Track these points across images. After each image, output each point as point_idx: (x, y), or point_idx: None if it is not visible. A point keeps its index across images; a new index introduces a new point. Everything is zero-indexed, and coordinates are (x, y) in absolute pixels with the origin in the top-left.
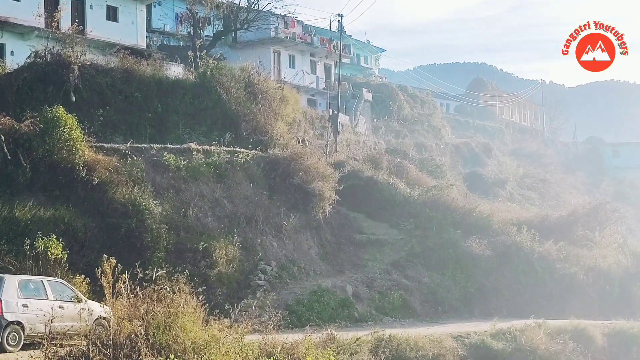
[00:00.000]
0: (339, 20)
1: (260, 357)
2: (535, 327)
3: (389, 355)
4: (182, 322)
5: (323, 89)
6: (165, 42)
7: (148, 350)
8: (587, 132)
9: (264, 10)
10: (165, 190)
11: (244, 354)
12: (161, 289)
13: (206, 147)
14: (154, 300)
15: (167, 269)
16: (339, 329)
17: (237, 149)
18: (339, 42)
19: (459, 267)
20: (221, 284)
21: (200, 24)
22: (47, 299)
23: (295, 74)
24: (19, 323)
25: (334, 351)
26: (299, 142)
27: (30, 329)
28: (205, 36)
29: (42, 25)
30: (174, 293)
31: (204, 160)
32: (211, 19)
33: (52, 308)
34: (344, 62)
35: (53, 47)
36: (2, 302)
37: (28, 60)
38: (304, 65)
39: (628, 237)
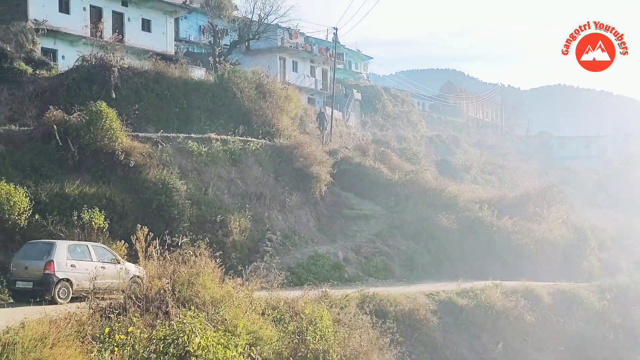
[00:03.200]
0: (334, 33)
1: (266, 310)
2: (493, 287)
3: (372, 309)
4: (203, 280)
5: (320, 89)
6: (190, 50)
7: (174, 303)
8: (538, 127)
9: (272, 23)
10: (189, 172)
11: (253, 307)
12: (185, 253)
13: (223, 136)
14: (179, 262)
15: (190, 237)
16: (332, 287)
17: (249, 139)
18: (334, 50)
19: (431, 238)
20: (235, 249)
21: (219, 35)
22: (91, 261)
23: (298, 77)
24: (67, 280)
25: (327, 305)
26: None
27: (77, 285)
28: (223, 45)
29: (88, 35)
30: (196, 256)
31: (221, 147)
32: (228, 30)
33: (95, 268)
34: (338, 68)
35: (97, 53)
36: (54, 262)
37: (76, 64)
38: (305, 69)
39: (570, 214)
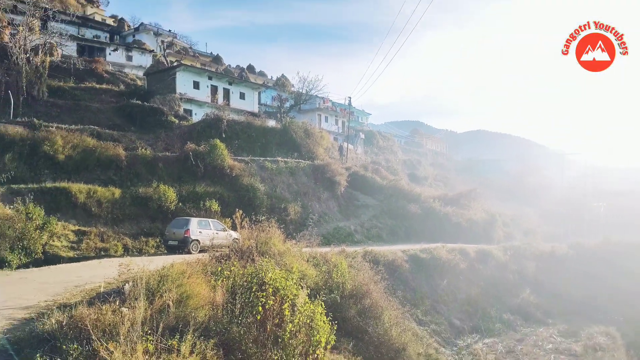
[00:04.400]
0: (349, 99)
1: (309, 259)
2: (440, 247)
3: (370, 259)
4: (273, 241)
5: (340, 132)
6: (266, 110)
7: (257, 254)
8: (468, 155)
9: (313, 95)
10: (265, 179)
11: (302, 257)
12: (263, 225)
13: (285, 159)
14: (260, 231)
15: (266, 217)
16: (347, 246)
17: (300, 161)
18: (348, 110)
19: (405, 218)
20: (291, 224)
21: (283, 101)
22: (211, 229)
23: (328, 125)
24: (197, 240)
25: (344, 256)
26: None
27: (202, 244)
28: (285, 107)
29: (209, 101)
30: (269, 228)
31: (284, 165)
32: (288, 98)
33: (213, 234)
34: (351, 120)
35: (214, 112)
36: (190, 230)
37: (202, 118)
38: (332, 121)
39: (486, 205)
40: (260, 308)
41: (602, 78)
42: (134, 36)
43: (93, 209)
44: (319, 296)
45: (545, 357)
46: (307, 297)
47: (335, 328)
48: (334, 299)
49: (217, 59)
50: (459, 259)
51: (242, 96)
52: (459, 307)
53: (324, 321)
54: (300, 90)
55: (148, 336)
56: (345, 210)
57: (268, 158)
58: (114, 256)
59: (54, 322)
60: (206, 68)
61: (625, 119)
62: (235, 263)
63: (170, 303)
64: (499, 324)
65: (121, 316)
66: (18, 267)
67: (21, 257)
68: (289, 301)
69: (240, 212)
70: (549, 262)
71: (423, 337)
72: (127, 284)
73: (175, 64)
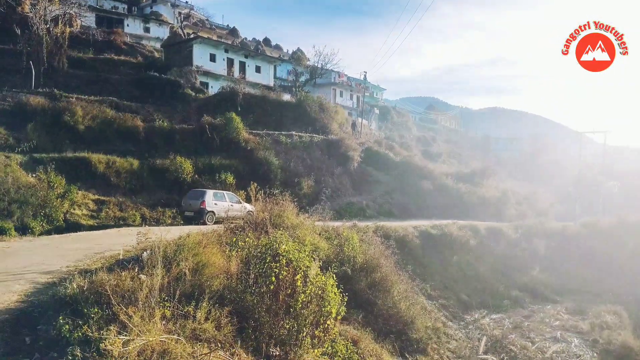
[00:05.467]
0: (364, 74)
1: (321, 232)
2: (452, 224)
3: (381, 234)
4: (286, 214)
5: (355, 107)
6: (282, 84)
7: (271, 226)
8: (482, 132)
9: (328, 69)
10: (280, 153)
11: (314, 230)
12: (277, 199)
13: (300, 133)
14: (274, 204)
15: (280, 190)
16: (359, 221)
17: (314, 135)
18: (363, 85)
19: (417, 195)
20: (305, 198)
21: (298, 75)
22: (226, 201)
23: (342, 100)
24: (212, 212)
25: (356, 230)
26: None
27: (218, 215)
28: (300, 81)
29: (225, 74)
30: (283, 201)
31: (298, 140)
32: (303, 72)
33: (228, 205)
34: (366, 95)
35: (230, 85)
36: (205, 202)
37: (219, 91)
38: (347, 96)
39: (499, 183)
40: (273, 278)
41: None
42: (151, 7)
43: (112, 179)
44: (331, 268)
45: (551, 333)
46: (319, 269)
47: (346, 300)
48: (345, 271)
49: (233, 32)
50: (470, 236)
51: (257, 69)
52: (468, 283)
53: (335, 293)
54: (316, 64)
55: (165, 302)
56: (358, 185)
57: (283, 132)
58: (132, 225)
59: (75, 286)
60: (222, 41)
61: None
62: (249, 234)
63: (187, 271)
64: (507, 301)
65: (139, 282)
66: (40, 234)
67: (43, 225)
68: (301, 272)
69: (255, 185)
70: (560, 241)
71: (431, 311)
72: (145, 252)
73: (192, 36)
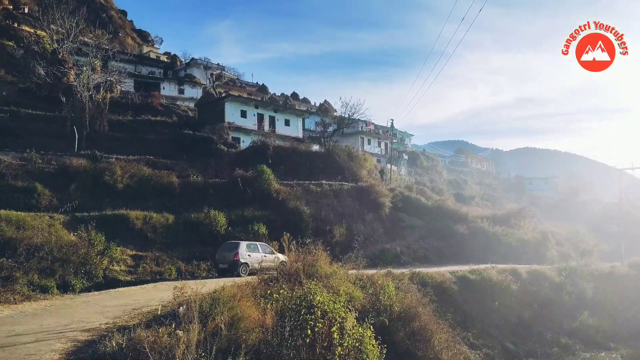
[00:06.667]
0: (391, 122)
1: (356, 281)
2: (490, 268)
3: (418, 281)
4: (319, 263)
5: (384, 154)
6: (310, 135)
7: (304, 276)
8: (515, 173)
9: (356, 118)
10: (311, 202)
11: (348, 279)
12: (310, 248)
13: (330, 182)
14: (307, 253)
15: (312, 239)
16: (393, 268)
17: (344, 183)
18: (391, 132)
19: (452, 239)
20: (337, 245)
21: (327, 126)
22: (259, 252)
23: (371, 148)
24: (246, 263)
25: (391, 278)
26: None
27: (251, 267)
28: (329, 131)
29: (256, 129)
30: (316, 250)
31: (328, 188)
32: (331, 123)
33: (261, 256)
34: (394, 141)
35: (260, 139)
36: (239, 253)
37: (250, 145)
38: (374, 143)
39: (537, 224)
40: (309, 331)
41: None
42: (185, 70)
43: (149, 234)
44: (367, 319)
45: None
46: (355, 320)
47: (385, 352)
48: (382, 321)
49: (262, 88)
50: (511, 280)
51: (287, 123)
52: (512, 330)
53: (373, 344)
54: (343, 115)
55: (202, 358)
56: (391, 231)
57: (313, 181)
58: (168, 279)
59: (114, 344)
60: (252, 97)
61: None
62: (283, 286)
63: (223, 326)
64: (556, 348)
65: (177, 338)
66: (81, 291)
67: (84, 282)
68: (337, 324)
69: (287, 234)
70: (608, 283)
71: None
72: (181, 307)
73: (223, 94)
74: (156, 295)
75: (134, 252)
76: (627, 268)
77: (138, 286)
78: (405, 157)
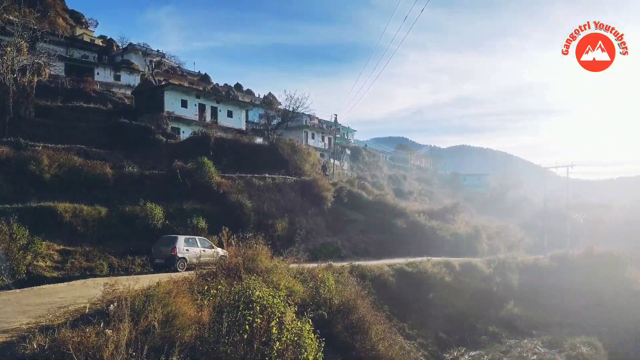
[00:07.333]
0: (335, 117)
1: (296, 275)
2: (426, 261)
3: (357, 274)
4: (260, 258)
5: (327, 149)
6: (254, 127)
7: (244, 271)
8: (451, 169)
9: (300, 112)
10: (253, 196)
11: (289, 273)
12: (250, 242)
13: (273, 175)
14: (247, 247)
15: (253, 233)
16: (334, 261)
17: (287, 176)
18: (334, 127)
19: (392, 233)
20: (279, 239)
21: (270, 119)
22: (198, 247)
23: (314, 142)
24: (184, 258)
25: (331, 272)
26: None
27: (189, 262)
28: (273, 124)
29: (197, 119)
30: (256, 244)
31: (271, 181)
32: (275, 116)
33: (199, 251)
34: (337, 136)
35: (201, 130)
36: (177, 248)
37: (190, 136)
38: (318, 138)
39: (471, 219)
40: (247, 327)
41: (590, 94)
42: (122, 56)
43: (79, 228)
44: (307, 313)
45: None
46: (294, 315)
47: (323, 345)
48: (322, 315)
49: (205, 78)
50: (445, 272)
51: (229, 114)
52: (445, 320)
53: (311, 338)
54: (287, 108)
55: (132, 358)
56: (333, 225)
57: (255, 175)
58: (100, 275)
59: (35, 345)
60: (194, 87)
61: (605, 133)
62: (222, 281)
63: (156, 323)
64: (485, 337)
65: (105, 338)
66: (1, 289)
67: (4, 278)
68: (276, 319)
69: (227, 229)
70: (532, 274)
71: (410, 351)
72: (111, 305)
73: (163, 83)
74: (85, 292)
75: (61, 247)
76: (549, 260)
77: (65, 283)
78: (348, 152)
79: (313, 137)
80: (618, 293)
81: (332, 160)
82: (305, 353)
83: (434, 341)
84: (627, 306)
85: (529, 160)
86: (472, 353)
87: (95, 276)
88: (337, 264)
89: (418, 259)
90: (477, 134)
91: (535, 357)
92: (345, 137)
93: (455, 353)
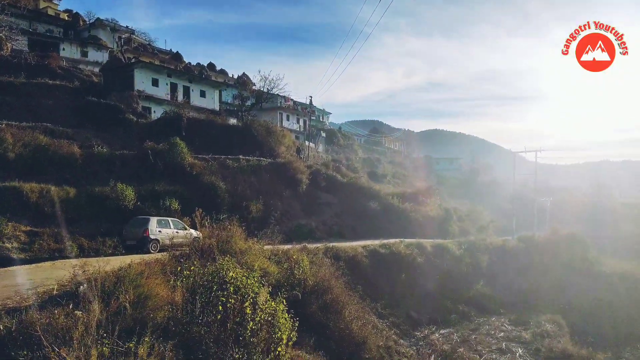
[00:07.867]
0: (310, 98)
1: (271, 256)
2: (399, 242)
3: (331, 255)
4: (234, 239)
5: (302, 131)
6: (228, 108)
7: (218, 253)
8: (424, 153)
9: (275, 93)
10: (227, 178)
11: (264, 254)
12: (224, 224)
13: (247, 157)
14: (221, 229)
15: (228, 215)
16: (309, 243)
17: (261, 159)
18: (309, 109)
19: (366, 215)
20: (253, 222)
21: (245, 100)
22: (170, 228)
23: (289, 124)
24: (156, 240)
25: (306, 253)
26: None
27: (162, 243)
28: (247, 105)
29: (169, 99)
30: (231, 226)
31: (245, 163)
32: (249, 97)
33: (172, 233)
34: (312, 118)
35: (174, 109)
36: (149, 230)
37: (162, 115)
38: (293, 119)
39: (442, 202)
40: (220, 307)
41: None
42: (89, 32)
43: (46, 209)
44: (281, 293)
45: (497, 344)
46: (268, 295)
47: (297, 324)
48: (296, 295)
49: (177, 57)
50: (417, 254)
51: (202, 94)
52: (417, 300)
53: (285, 318)
54: (262, 89)
55: (103, 339)
56: (307, 207)
57: (229, 156)
58: (69, 257)
59: (1, 327)
60: (165, 65)
61: (572, 120)
62: (195, 262)
63: (127, 305)
64: (455, 315)
65: (75, 320)
66: None
67: None
68: (250, 299)
69: (201, 210)
70: (500, 255)
71: (382, 330)
72: (81, 286)
73: (133, 60)
74: (54, 274)
75: (28, 228)
76: (516, 242)
77: (34, 264)
78: (323, 134)
79: (288, 119)
80: (580, 273)
81: (307, 143)
82: (279, 332)
83: (406, 320)
84: (588, 286)
85: (500, 145)
86: (443, 331)
87: (64, 258)
88: (312, 246)
89: (391, 240)
90: (450, 118)
91: (502, 334)
92: (321, 119)
93: (426, 331)
